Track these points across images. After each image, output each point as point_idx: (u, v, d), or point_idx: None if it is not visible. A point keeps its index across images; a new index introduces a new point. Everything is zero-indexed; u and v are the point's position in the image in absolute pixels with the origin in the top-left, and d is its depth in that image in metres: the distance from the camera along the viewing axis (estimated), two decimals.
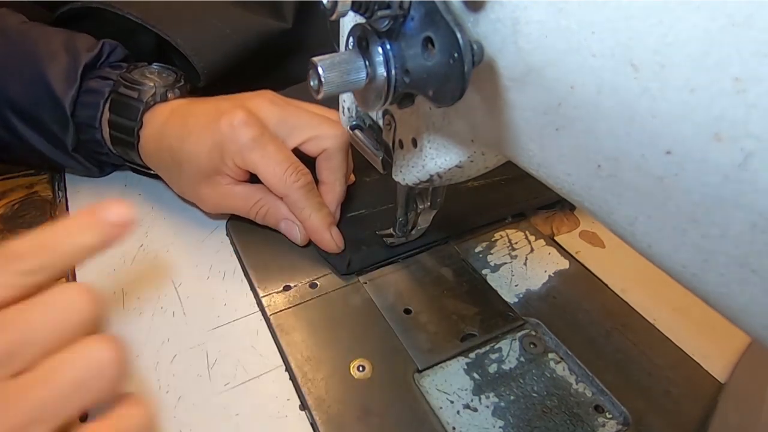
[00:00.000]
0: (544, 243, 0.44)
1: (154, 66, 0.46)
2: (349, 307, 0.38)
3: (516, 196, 0.47)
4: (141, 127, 0.42)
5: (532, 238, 0.44)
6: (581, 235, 0.45)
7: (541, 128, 0.18)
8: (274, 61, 0.59)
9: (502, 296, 0.39)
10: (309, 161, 0.42)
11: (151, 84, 0.43)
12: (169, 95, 0.44)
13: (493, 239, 0.44)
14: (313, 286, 0.40)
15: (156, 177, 0.47)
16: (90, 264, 0.42)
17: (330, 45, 0.63)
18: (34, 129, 0.44)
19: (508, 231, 0.45)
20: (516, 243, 0.44)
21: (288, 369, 0.34)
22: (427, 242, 0.43)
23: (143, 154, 0.44)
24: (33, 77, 0.42)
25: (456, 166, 0.27)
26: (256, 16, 0.54)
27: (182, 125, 0.41)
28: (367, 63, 0.23)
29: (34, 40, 0.44)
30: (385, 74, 0.22)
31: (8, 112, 0.43)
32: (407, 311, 0.38)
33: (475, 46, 0.18)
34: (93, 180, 0.50)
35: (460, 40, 0.17)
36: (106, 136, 0.44)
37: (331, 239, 0.41)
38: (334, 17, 0.19)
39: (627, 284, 0.40)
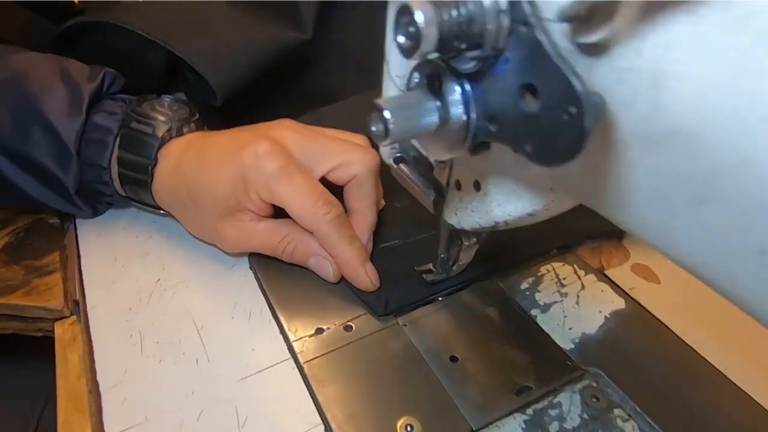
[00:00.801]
0: (595, 278, 0.40)
1: (165, 98, 0.42)
2: (389, 354, 0.35)
3: (561, 226, 0.43)
4: (155, 164, 0.39)
5: (581, 272, 0.41)
6: (634, 269, 0.42)
7: (673, 196, 0.15)
8: (290, 73, 0.56)
9: (556, 341, 0.36)
10: (336, 190, 0.39)
11: (164, 118, 0.40)
12: (185, 130, 0.40)
13: (539, 274, 0.41)
14: (347, 328, 0.36)
15: (166, 214, 0.43)
16: (104, 302, 0.38)
17: (351, 55, 0.59)
18: (24, 169, 0.39)
19: (554, 264, 0.42)
20: (564, 278, 0.40)
21: (327, 429, 0.31)
22: (469, 278, 0.39)
23: (156, 194, 0.40)
24: (23, 110, 0.38)
25: (528, 214, 0.24)
26: (274, 28, 0.51)
27: (200, 159, 0.38)
28: (439, 105, 0.19)
29: (21, 68, 0.39)
30: (463, 119, 0.19)
31: None
32: (453, 359, 0.35)
33: (597, 100, 0.14)
34: None
35: (580, 93, 0.14)
36: (115, 175, 0.40)
37: (365, 276, 0.37)
38: (413, 59, 0.16)
39: (688, 325, 0.37)
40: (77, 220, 0.45)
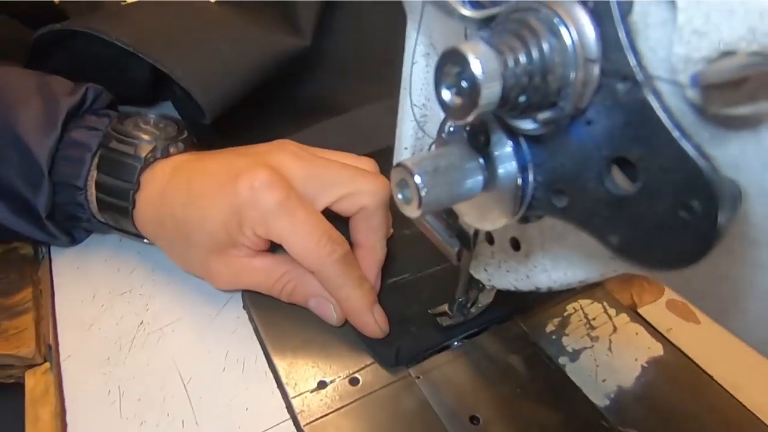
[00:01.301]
0: (627, 318, 0.37)
1: (150, 115, 0.38)
2: (402, 414, 0.31)
3: None
4: (138, 189, 0.35)
5: (612, 311, 0.37)
6: (669, 306, 0.38)
7: None
8: (285, 82, 0.51)
9: (589, 396, 0.32)
10: (342, 218, 0.35)
11: (148, 137, 0.35)
12: (172, 150, 0.36)
13: (565, 313, 0.37)
14: (353, 381, 0.32)
15: (151, 243, 0.39)
16: (79, 350, 0.34)
17: (347, 62, 0.55)
18: None
19: (581, 302, 0.38)
20: (594, 319, 0.36)
21: None
22: (488, 320, 0.35)
23: (138, 222, 0.36)
24: None
25: (579, 281, 0.20)
26: (271, 34, 0.46)
27: (187, 188, 0.33)
28: (484, 164, 0.15)
29: None
30: (518, 184, 0.14)
31: None
32: (474, 419, 0.31)
33: (733, 190, 0.10)
34: None
35: (712, 181, 0.10)
36: (92, 198, 0.36)
37: (374, 323, 0.33)
38: (466, 121, 0.12)
39: (734, 374, 0.33)
40: (52, 251, 0.41)
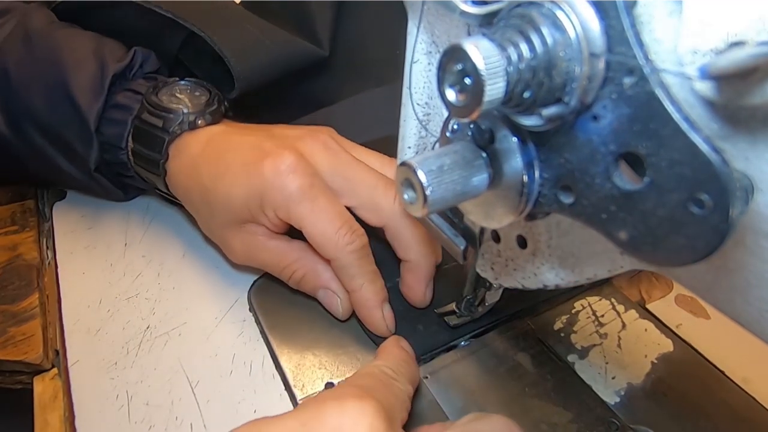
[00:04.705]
0: (636, 315, 0.36)
1: (184, 82, 0.39)
2: (410, 413, 0.31)
3: None
4: (167, 159, 0.36)
5: (620, 308, 0.37)
6: (678, 301, 0.38)
7: None
8: (300, 82, 0.51)
9: (599, 393, 0.31)
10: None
11: (179, 109, 0.36)
12: (199, 122, 0.37)
13: (573, 311, 0.37)
14: None
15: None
16: (87, 355, 0.34)
17: (353, 61, 0.55)
18: (54, 145, 0.39)
19: (589, 299, 0.37)
20: (602, 316, 0.36)
21: None
22: (496, 318, 0.35)
23: (171, 186, 0.37)
24: (56, 87, 0.38)
25: (587, 279, 0.20)
26: (294, 37, 0.46)
27: (218, 160, 0.34)
28: (488, 162, 0.15)
29: (59, 45, 0.39)
30: (522, 181, 0.14)
31: (29, 126, 0.39)
32: None
33: (745, 184, 0.10)
34: (87, 238, 0.42)
35: (722, 174, 0.10)
36: (132, 158, 0.38)
37: (381, 319, 0.33)
38: (470, 118, 0.12)
39: (746, 369, 0.33)
40: (58, 257, 0.41)
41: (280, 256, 0.34)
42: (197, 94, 0.38)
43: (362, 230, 0.33)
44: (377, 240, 0.35)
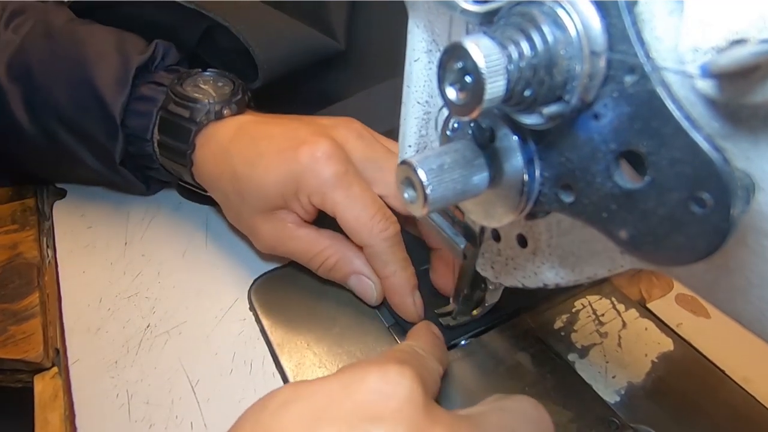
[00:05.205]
0: (636, 314, 0.36)
1: (208, 73, 0.39)
2: None
3: None
4: (193, 150, 0.36)
5: (620, 307, 0.37)
6: (678, 300, 0.38)
7: None
8: (313, 77, 0.51)
9: (599, 392, 0.31)
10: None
11: (205, 99, 0.36)
12: (225, 112, 0.37)
13: (573, 309, 0.37)
14: None
15: (208, 200, 0.41)
16: (87, 354, 0.34)
17: (360, 60, 0.55)
18: (80, 139, 0.40)
19: (589, 298, 0.37)
20: (602, 315, 0.36)
21: None
22: (495, 317, 0.35)
23: (198, 175, 0.38)
24: (80, 82, 0.38)
25: (587, 278, 0.20)
26: (313, 31, 0.46)
27: (251, 147, 0.34)
28: (489, 161, 0.15)
29: (81, 40, 0.39)
30: (524, 179, 0.14)
31: (53, 122, 0.39)
32: None
33: (746, 183, 0.10)
34: (88, 236, 0.42)
35: (723, 173, 0.10)
36: (158, 150, 0.38)
37: (412, 305, 0.34)
38: (470, 117, 0.12)
39: (746, 368, 0.33)
40: (58, 255, 0.41)
41: (311, 244, 0.34)
42: (221, 84, 0.39)
43: (395, 218, 0.33)
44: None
